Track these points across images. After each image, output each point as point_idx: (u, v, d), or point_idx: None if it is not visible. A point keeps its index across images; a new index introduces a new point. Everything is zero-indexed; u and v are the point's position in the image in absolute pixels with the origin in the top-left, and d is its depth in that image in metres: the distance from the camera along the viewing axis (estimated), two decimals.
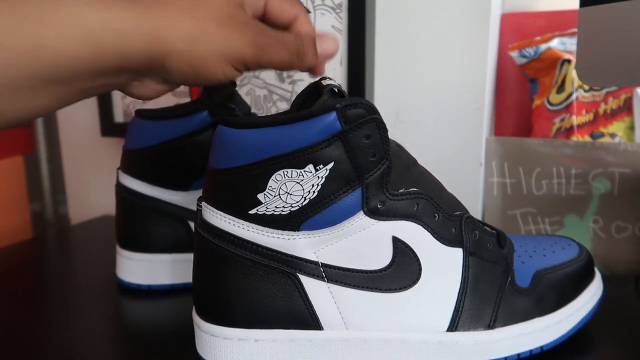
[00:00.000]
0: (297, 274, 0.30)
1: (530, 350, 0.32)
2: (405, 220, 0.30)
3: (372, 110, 0.29)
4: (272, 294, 0.30)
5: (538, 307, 0.32)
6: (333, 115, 0.28)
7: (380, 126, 0.29)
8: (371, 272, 0.30)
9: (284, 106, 0.56)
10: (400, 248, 0.30)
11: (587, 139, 0.53)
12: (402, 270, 0.30)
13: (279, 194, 0.28)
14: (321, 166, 0.28)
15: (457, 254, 0.31)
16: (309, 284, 0.30)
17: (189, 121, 0.41)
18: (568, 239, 0.37)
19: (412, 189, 0.30)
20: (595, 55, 0.34)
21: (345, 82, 0.53)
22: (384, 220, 0.30)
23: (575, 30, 0.54)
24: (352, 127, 0.28)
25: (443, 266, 0.31)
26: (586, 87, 0.53)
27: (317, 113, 0.28)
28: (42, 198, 0.72)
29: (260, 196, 0.28)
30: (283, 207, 0.29)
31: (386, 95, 0.53)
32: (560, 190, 0.49)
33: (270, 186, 0.28)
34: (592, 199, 0.48)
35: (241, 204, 0.29)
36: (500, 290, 0.32)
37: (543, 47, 0.53)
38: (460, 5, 0.49)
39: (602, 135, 0.53)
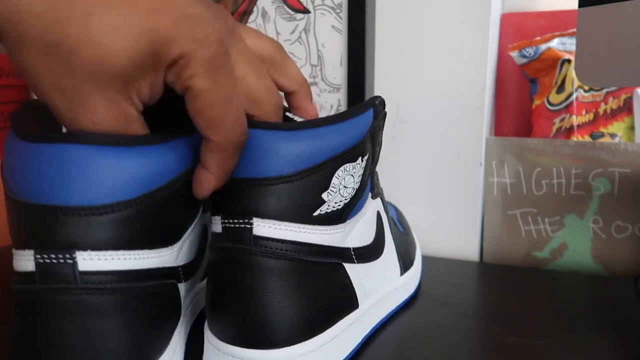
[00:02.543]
0: (342, 263, 0.31)
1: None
2: (378, 197, 0.36)
3: (385, 105, 0.33)
4: (328, 290, 0.30)
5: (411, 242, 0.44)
6: (371, 111, 0.31)
7: (385, 118, 0.33)
8: (368, 246, 0.34)
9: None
10: (379, 220, 0.35)
11: (587, 139, 0.53)
12: (380, 238, 0.35)
13: (339, 190, 0.29)
14: (365, 157, 0.31)
15: (386, 219, 0.38)
16: (349, 269, 0.31)
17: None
18: None
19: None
20: (595, 55, 0.34)
21: (345, 82, 0.53)
22: (374, 198, 0.35)
23: (575, 30, 0.54)
24: (377, 121, 0.31)
25: (387, 229, 0.37)
26: (586, 87, 0.53)
27: (362, 110, 0.30)
28: None
29: (324, 195, 0.28)
30: (340, 201, 0.29)
31: (386, 95, 0.53)
32: (560, 190, 0.49)
33: (333, 183, 0.29)
34: (592, 199, 0.48)
35: (307, 208, 0.28)
36: (399, 237, 0.40)
37: (543, 47, 0.53)
38: (460, 5, 0.49)
39: (602, 135, 0.53)
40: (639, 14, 0.32)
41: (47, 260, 0.23)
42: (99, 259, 0.23)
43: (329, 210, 0.29)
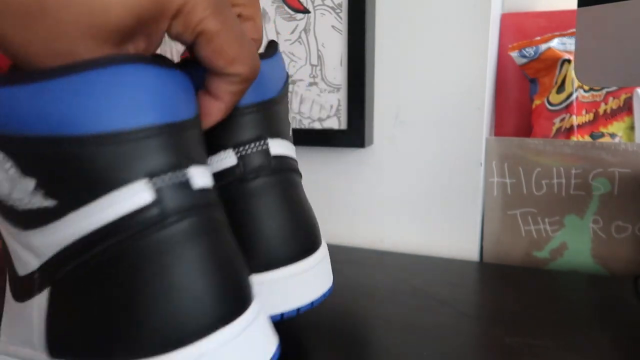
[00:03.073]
0: None
1: None
2: None
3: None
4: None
5: None
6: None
7: None
8: None
9: None
10: None
11: (587, 139, 0.53)
12: None
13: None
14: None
15: None
16: None
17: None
18: None
19: None
20: (594, 55, 0.34)
21: (345, 82, 0.53)
22: None
23: (575, 30, 0.54)
24: None
25: None
26: (586, 87, 0.53)
27: (276, 49, 0.32)
28: None
29: (289, 115, 0.35)
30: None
31: (386, 95, 0.53)
32: (560, 190, 0.49)
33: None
34: (592, 199, 0.48)
35: (289, 125, 0.32)
36: None
37: (543, 47, 0.53)
38: (460, 5, 0.49)
39: (602, 135, 0.53)
40: (638, 13, 0.32)
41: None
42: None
43: (291, 128, 0.34)
